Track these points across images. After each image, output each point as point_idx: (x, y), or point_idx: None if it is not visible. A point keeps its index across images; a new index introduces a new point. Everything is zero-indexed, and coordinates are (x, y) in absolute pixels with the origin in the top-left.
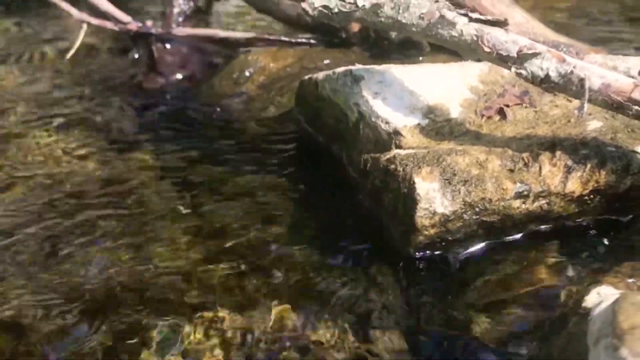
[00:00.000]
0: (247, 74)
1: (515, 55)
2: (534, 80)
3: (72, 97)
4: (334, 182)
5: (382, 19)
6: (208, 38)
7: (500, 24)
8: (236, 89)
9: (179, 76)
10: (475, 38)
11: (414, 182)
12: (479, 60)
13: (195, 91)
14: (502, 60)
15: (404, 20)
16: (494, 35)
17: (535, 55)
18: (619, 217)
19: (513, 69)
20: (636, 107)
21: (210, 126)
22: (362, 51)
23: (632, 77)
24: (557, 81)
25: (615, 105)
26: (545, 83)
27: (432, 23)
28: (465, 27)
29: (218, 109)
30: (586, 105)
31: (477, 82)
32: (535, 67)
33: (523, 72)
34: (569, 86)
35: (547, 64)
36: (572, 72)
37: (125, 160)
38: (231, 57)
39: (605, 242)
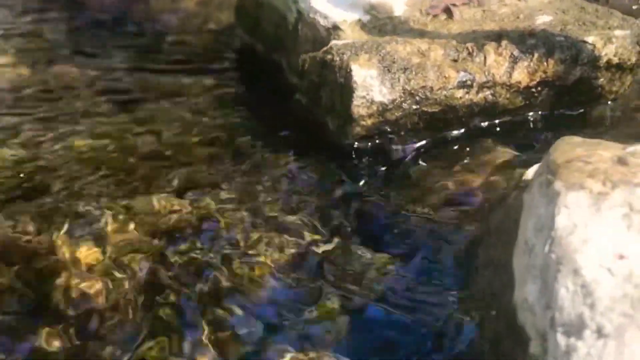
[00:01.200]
0: None
1: None
2: None
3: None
4: (274, 90)
5: None
6: None
7: None
8: (174, 5)
9: None
10: None
11: (350, 70)
12: None
13: (131, 9)
14: None
15: None
16: None
17: None
18: (569, 111)
19: None
20: None
21: (145, 40)
22: None
23: None
24: None
25: None
26: None
27: None
28: None
29: (154, 25)
30: None
31: None
32: None
33: None
34: None
35: None
36: None
37: (59, 67)
38: None
39: (555, 136)
